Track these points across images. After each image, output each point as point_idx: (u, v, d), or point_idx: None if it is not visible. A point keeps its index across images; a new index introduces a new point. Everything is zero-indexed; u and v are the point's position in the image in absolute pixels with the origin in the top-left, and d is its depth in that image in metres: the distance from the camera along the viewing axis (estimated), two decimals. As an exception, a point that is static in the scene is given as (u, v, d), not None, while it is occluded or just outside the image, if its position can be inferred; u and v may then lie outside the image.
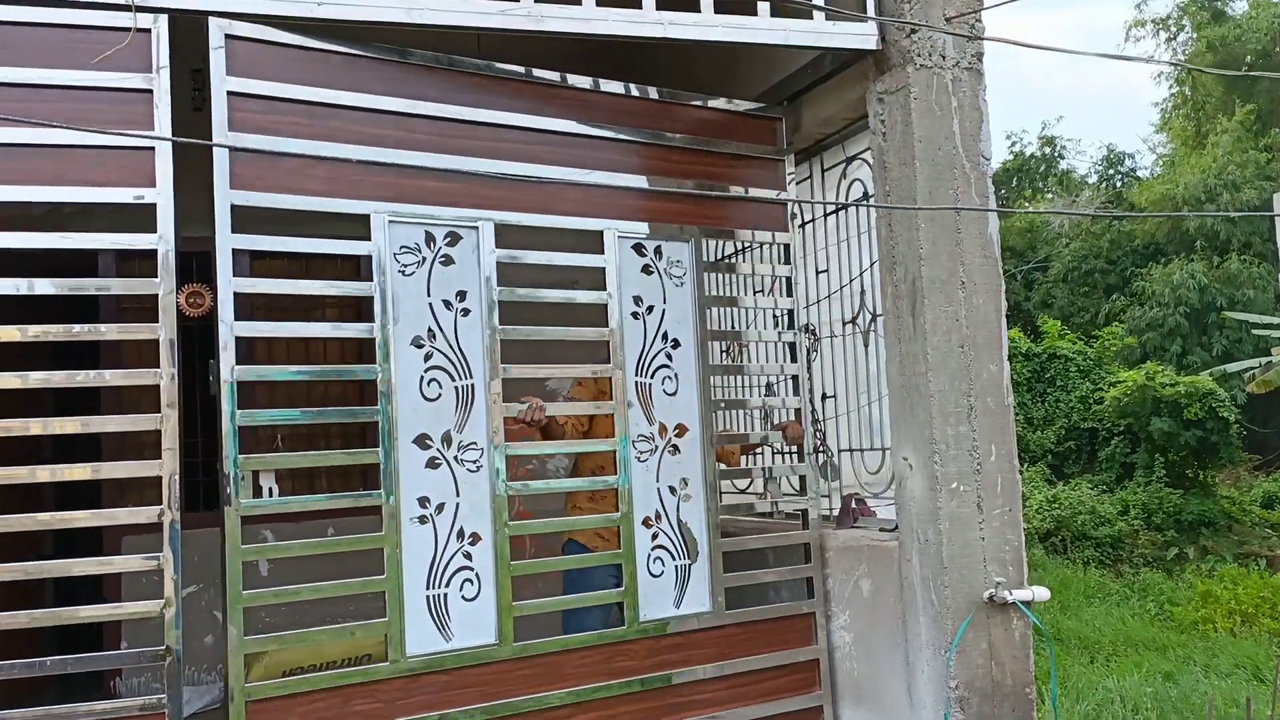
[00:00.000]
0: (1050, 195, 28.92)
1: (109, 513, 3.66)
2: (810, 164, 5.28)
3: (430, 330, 4.10)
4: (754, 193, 4.88)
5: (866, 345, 4.89)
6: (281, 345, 6.23)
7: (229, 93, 3.67)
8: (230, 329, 3.63)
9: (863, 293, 4.92)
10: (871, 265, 4.79)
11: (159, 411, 3.44)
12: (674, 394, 4.77)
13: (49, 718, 3.28)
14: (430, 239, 4.13)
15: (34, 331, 3.44)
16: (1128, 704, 7.62)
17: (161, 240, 3.45)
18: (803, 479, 4.97)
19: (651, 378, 4.73)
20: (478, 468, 4.14)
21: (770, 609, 4.79)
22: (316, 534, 6.55)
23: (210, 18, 3.63)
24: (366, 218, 3.98)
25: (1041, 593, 3.98)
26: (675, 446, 4.76)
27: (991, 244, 4.22)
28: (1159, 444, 18.10)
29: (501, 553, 4.13)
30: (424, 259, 4.12)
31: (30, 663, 3.38)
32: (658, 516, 4.64)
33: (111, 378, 3.59)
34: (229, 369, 3.62)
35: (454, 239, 4.19)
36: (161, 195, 3.47)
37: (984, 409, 4.11)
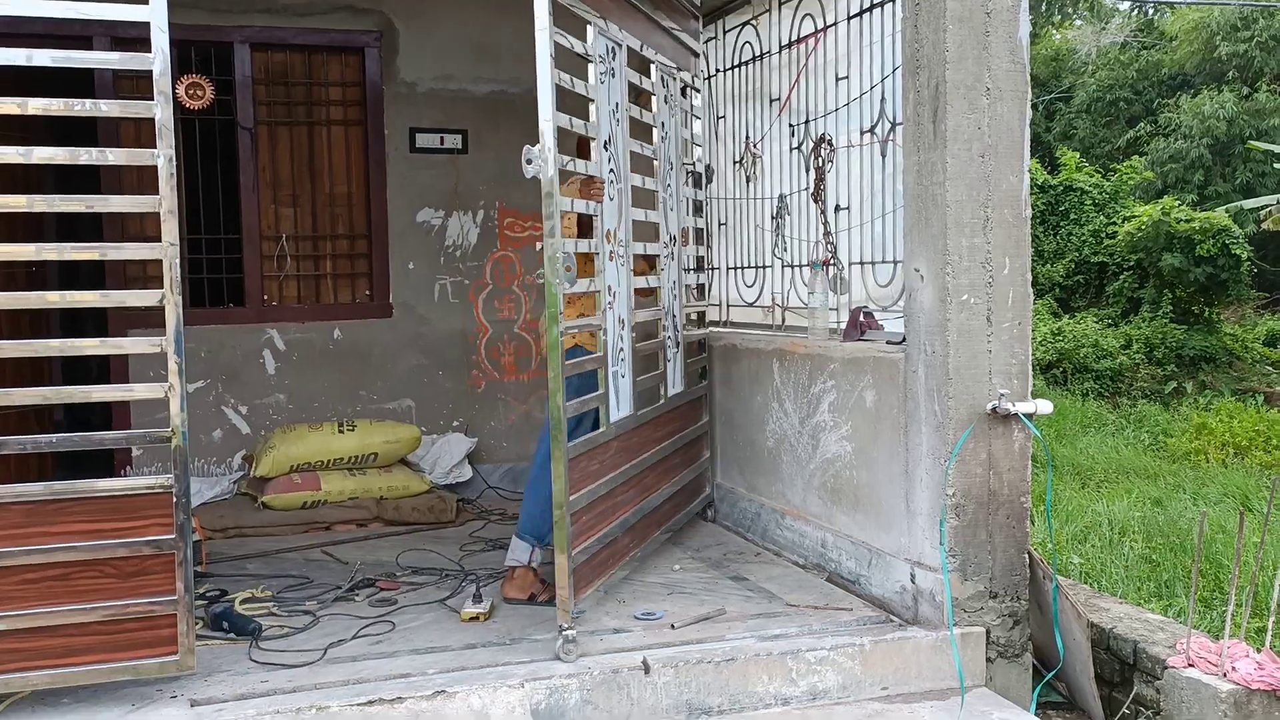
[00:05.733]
0: (1079, 22, 27.90)
1: (116, 294, 3.69)
2: (835, -37, 5.04)
3: (609, 137, 4.46)
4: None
5: (884, 155, 4.76)
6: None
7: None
8: (552, 123, 3.77)
9: (883, 100, 4.76)
10: (894, 71, 4.61)
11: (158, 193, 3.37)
12: (673, 209, 5.35)
13: (58, 492, 3.33)
14: (609, 51, 4.48)
15: (35, 106, 3.34)
16: (1115, 526, 7.77)
17: (153, 12, 3.30)
18: (701, 286, 5.88)
19: (666, 193, 5.23)
20: (623, 263, 4.61)
21: (697, 389, 5.73)
22: (324, 334, 6.59)
23: None
24: (585, 23, 4.25)
25: (1044, 405, 3.98)
26: (672, 254, 5.31)
27: (1021, 48, 4.04)
28: (1168, 279, 17.98)
29: (633, 337, 4.75)
30: (606, 70, 4.43)
31: (38, 439, 3.43)
32: (668, 313, 5.26)
33: (114, 157, 3.54)
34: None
35: (614, 54, 4.55)
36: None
37: (1000, 221, 4.02)
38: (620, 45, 4.60)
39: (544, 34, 3.73)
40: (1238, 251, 17.76)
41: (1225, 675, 3.54)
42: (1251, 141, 20.33)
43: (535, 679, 3.54)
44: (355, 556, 5.27)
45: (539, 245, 6.51)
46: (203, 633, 3.99)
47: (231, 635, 4.04)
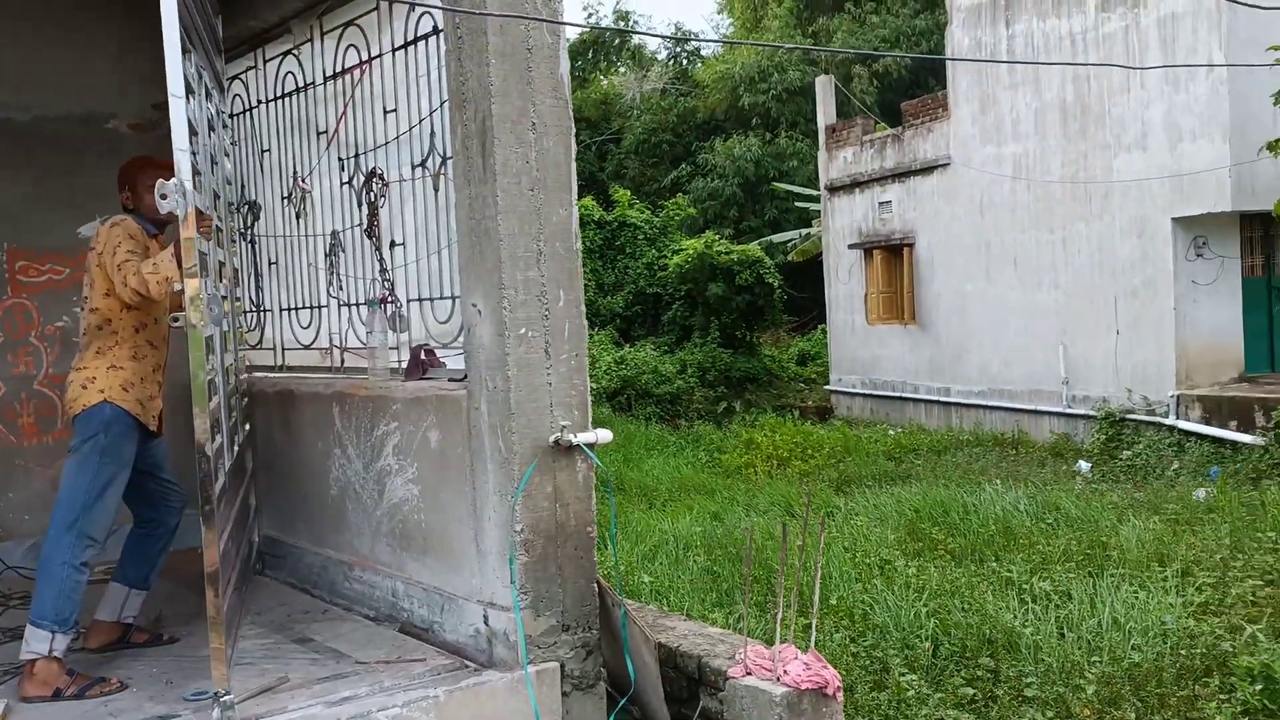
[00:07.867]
0: (624, 69, 29.72)
1: None
2: (378, -6, 4.89)
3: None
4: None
5: (437, 190, 4.67)
6: None
7: None
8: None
9: (433, 134, 4.66)
10: (442, 105, 4.54)
11: None
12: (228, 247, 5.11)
13: None
14: (199, 80, 4.31)
15: None
16: (680, 543, 8.20)
17: None
18: (261, 329, 5.89)
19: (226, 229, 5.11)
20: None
21: (246, 438, 5.33)
22: None
23: None
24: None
25: (604, 435, 4.04)
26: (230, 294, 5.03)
27: (562, 85, 4.11)
28: (714, 307, 19.54)
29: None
30: (198, 99, 4.21)
31: None
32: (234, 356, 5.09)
33: None
34: None
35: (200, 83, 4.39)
36: None
37: (553, 254, 4.05)
38: (201, 76, 4.36)
39: (175, 62, 3.55)
40: (771, 280, 19.65)
41: (779, 679, 3.74)
42: (775, 182, 22.63)
43: (58, 792, 3.05)
44: None
45: (73, 289, 5.79)
46: None
47: None
